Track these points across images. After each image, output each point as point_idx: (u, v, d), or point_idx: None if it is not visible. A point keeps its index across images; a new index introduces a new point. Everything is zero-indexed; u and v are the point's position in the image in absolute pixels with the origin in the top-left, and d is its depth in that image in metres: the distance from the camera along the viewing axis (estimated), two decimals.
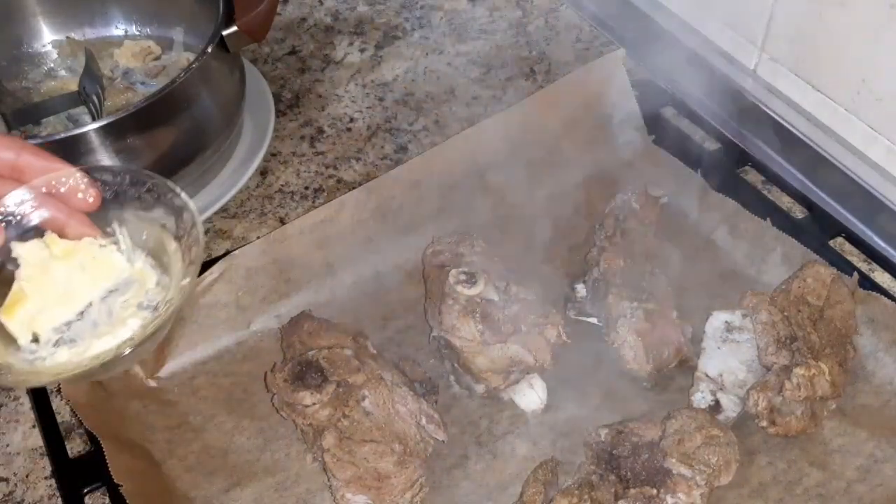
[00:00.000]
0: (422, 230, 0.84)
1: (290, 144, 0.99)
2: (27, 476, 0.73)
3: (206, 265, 0.79)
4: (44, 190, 0.58)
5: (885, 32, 0.80)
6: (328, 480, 0.68)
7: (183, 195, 0.58)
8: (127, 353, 0.54)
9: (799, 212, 0.86)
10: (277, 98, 1.03)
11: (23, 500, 0.71)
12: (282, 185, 0.94)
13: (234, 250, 0.79)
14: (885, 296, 0.76)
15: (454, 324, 0.72)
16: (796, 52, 0.91)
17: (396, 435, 0.68)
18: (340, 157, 0.97)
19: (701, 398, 0.72)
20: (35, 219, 0.58)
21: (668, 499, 0.63)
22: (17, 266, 0.57)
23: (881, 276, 0.81)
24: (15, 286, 0.56)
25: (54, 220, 0.58)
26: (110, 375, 0.71)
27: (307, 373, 0.70)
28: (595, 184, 0.87)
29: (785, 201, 0.87)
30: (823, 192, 0.89)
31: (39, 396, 0.75)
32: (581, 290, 0.80)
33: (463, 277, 0.74)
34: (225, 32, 0.85)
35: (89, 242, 0.58)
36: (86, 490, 0.70)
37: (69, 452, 0.73)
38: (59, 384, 0.73)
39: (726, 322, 0.75)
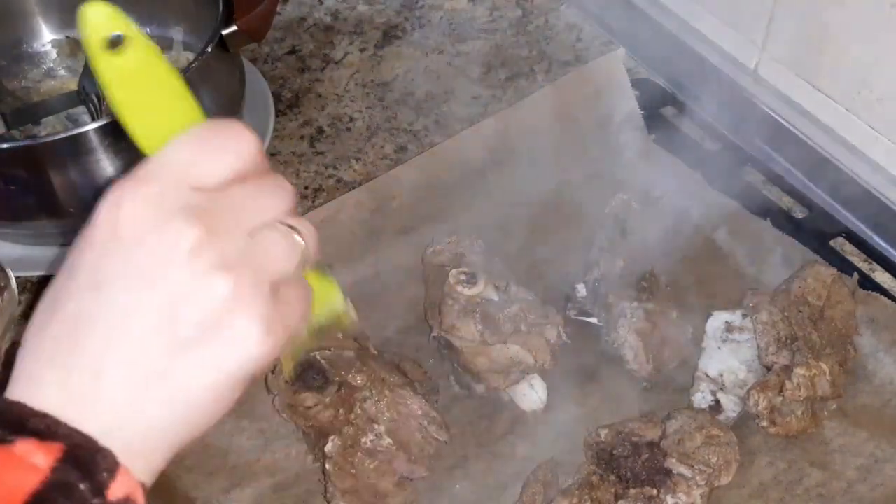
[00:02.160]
0: (422, 230, 0.84)
1: (289, 144, 0.99)
2: None
3: None
4: None
5: (885, 32, 0.80)
6: (324, 482, 0.67)
7: None
8: None
9: (799, 211, 0.86)
10: (277, 98, 1.02)
11: None
12: None
13: None
14: (886, 296, 0.76)
15: (454, 324, 0.72)
16: (797, 52, 0.91)
17: (400, 442, 0.68)
18: (340, 157, 0.97)
19: (701, 398, 0.72)
20: None
21: (669, 499, 0.63)
22: None
23: (882, 276, 0.81)
24: None
25: None
26: None
27: (308, 374, 0.69)
28: (595, 184, 0.87)
29: (785, 201, 0.87)
30: (824, 191, 0.89)
31: None
32: (581, 290, 0.80)
33: (463, 277, 0.74)
34: (225, 32, 0.85)
35: None
36: None
37: None
38: None
39: (726, 322, 0.75)
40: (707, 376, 0.73)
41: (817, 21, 0.87)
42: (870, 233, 0.85)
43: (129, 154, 0.83)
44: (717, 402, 0.72)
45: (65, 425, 0.37)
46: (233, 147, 0.40)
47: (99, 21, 0.34)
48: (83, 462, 0.37)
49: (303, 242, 0.41)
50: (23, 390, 0.39)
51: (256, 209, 0.40)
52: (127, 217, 0.38)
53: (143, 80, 0.36)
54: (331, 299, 0.41)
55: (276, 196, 0.41)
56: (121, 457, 0.38)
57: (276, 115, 1.00)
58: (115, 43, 0.35)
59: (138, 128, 0.38)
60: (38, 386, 0.38)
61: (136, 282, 0.38)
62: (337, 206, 0.82)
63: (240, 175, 0.40)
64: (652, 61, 1.03)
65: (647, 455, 0.66)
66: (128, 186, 0.39)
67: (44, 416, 0.37)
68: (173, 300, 0.38)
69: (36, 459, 0.36)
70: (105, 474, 0.37)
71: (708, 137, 0.94)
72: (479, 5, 1.14)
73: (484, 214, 0.86)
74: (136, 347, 0.38)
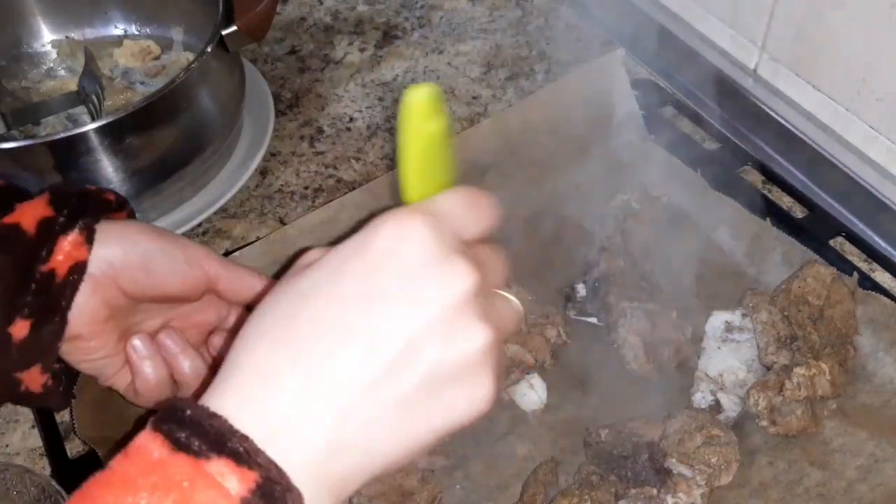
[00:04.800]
0: None
1: (289, 144, 0.99)
2: None
3: None
4: None
5: (885, 32, 0.80)
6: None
7: None
8: None
9: (799, 211, 0.86)
10: (277, 98, 1.02)
11: None
12: (281, 185, 0.94)
13: (234, 251, 0.79)
14: (886, 296, 0.75)
15: None
16: (797, 51, 0.91)
17: None
18: (340, 157, 0.97)
19: (701, 398, 0.72)
20: None
21: (669, 499, 0.63)
22: None
23: (882, 276, 0.81)
24: None
25: None
26: None
27: None
28: (595, 184, 0.87)
29: (785, 201, 0.87)
30: (824, 191, 0.89)
31: None
32: (581, 290, 0.80)
33: None
34: (224, 32, 0.85)
35: None
36: None
37: (69, 453, 0.73)
38: None
39: (726, 322, 0.75)
40: (707, 376, 0.73)
41: (817, 21, 0.87)
42: (870, 232, 0.85)
43: (129, 153, 0.84)
44: (717, 401, 0.72)
45: (264, 455, 0.35)
46: (488, 214, 0.42)
47: (423, 104, 0.39)
48: (273, 499, 0.35)
49: (521, 309, 0.43)
50: (248, 391, 0.37)
51: (498, 272, 0.42)
52: (413, 239, 0.38)
53: (433, 147, 0.41)
54: None
55: (503, 264, 0.43)
56: (310, 494, 0.36)
57: (276, 115, 1.00)
58: (427, 117, 0.40)
59: (414, 180, 0.41)
60: (271, 389, 0.37)
61: (411, 306, 0.37)
62: (337, 207, 0.82)
63: (484, 239, 0.42)
64: (652, 61, 1.03)
65: (647, 455, 0.66)
66: (414, 214, 0.39)
67: (244, 439, 0.35)
68: (441, 335, 0.38)
69: (229, 484, 0.34)
70: None
71: (708, 137, 0.94)
72: (479, 5, 1.14)
73: None
74: (390, 371, 0.37)
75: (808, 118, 0.92)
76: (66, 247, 0.55)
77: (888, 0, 0.78)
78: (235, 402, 0.37)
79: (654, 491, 0.64)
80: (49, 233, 0.55)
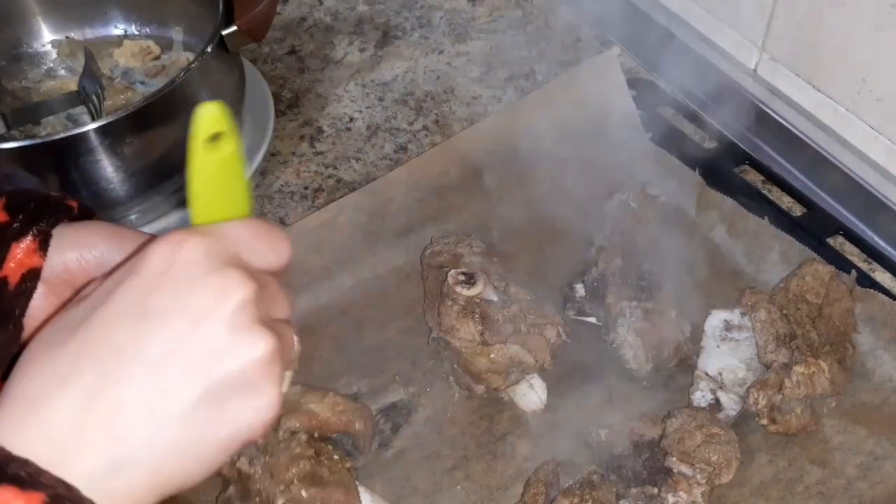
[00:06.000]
0: (420, 231, 0.84)
1: (289, 144, 0.99)
2: None
3: None
4: None
5: (885, 32, 0.80)
6: None
7: None
8: None
9: (797, 210, 0.86)
10: (277, 98, 1.02)
11: None
12: (281, 185, 0.94)
13: None
14: (884, 293, 0.76)
15: (453, 325, 0.72)
16: (797, 51, 0.91)
17: None
18: (340, 157, 0.97)
19: (701, 397, 0.73)
20: None
21: (670, 498, 0.64)
22: None
23: (881, 275, 0.81)
24: None
25: None
26: None
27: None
28: (593, 183, 0.87)
29: (785, 201, 0.87)
30: (823, 191, 0.89)
31: None
32: (580, 289, 0.80)
33: (462, 278, 0.74)
34: (224, 32, 0.85)
35: None
36: None
37: None
38: None
39: (725, 321, 0.75)
40: (706, 375, 0.73)
41: (817, 21, 0.87)
42: (868, 231, 0.85)
43: (129, 154, 0.83)
44: (717, 400, 0.72)
45: (48, 474, 0.36)
46: (278, 248, 0.43)
47: (209, 119, 0.39)
48: None
49: (299, 345, 0.44)
50: (21, 416, 0.37)
51: (280, 303, 0.42)
52: (187, 257, 0.39)
53: (222, 170, 0.41)
54: None
55: (288, 297, 0.44)
56: None
57: (276, 115, 1.00)
58: (214, 137, 0.40)
59: (202, 204, 0.42)
60: (42, 412, 0.37)
61: (186, 321, 0.38)
62: (336, 209, 0.82)
63: (270, 273, 0.42)
64: (651, 61, 1.03)
65: (647, 454, 0.66)
66: (188, 234, 0.40)
67: (25, 463, 0.36)
68: (218, 347, 0.38)
69: None
70: None
71: (706, 137, 0.94)
72: (479, 5, 1.14)
73: (483, 215, 0.86)
74: (168, 387, 0.38)
75: (807, 118, 0.92)
76: (19, 254, 0.54)
77: (888, 0, 0.78)
78: (9, 428, 0.37)
79: (655, 490, 0.64)
80: (1, 239, 0.54)
